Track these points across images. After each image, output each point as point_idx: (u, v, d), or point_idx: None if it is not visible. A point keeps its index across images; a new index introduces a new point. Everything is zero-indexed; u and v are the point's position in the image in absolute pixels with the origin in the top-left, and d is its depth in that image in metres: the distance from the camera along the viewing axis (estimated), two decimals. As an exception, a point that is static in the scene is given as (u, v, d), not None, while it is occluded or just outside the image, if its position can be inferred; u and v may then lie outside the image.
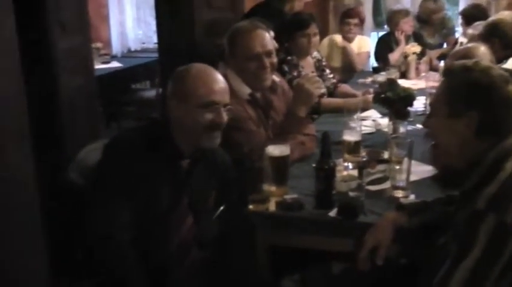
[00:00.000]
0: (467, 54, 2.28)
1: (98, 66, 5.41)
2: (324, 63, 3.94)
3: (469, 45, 2.71)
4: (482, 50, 2.32)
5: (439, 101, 1.67)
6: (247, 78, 2.56)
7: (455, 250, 1.51)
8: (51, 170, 2.20)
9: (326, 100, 3.49)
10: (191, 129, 1.95)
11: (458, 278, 1.48)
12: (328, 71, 3.92)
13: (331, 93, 3.76)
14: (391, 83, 2.93)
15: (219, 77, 2.01)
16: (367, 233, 1.89)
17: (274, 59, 2.61)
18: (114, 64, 5.82)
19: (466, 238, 1.49)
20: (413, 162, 2.27)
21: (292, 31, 3.62)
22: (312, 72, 3.56)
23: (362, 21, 4.91)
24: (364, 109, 3.18)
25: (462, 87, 1.62)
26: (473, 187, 1.58)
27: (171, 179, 1.93)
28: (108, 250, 1.82)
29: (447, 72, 1.69)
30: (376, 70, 4.71)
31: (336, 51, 4.87)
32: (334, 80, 3.92)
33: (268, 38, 2.58)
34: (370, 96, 3.17)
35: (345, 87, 3.92)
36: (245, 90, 2.57)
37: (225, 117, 1.99)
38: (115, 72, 5.34)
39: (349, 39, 4.83)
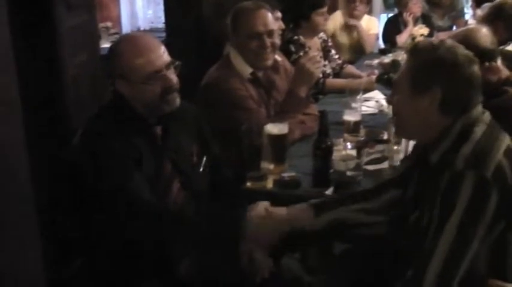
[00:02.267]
0: (467, 36, 2.28)
1: (107, 45, 5.43)
2: (329, 44, 3.94)
3: (470, 26, 2.70)
4: (484, 32, 2.31)
5: (402, 79, 1.68)
6: (249, 57, 2.58)
7: (438, 213, 1.53)
8: (55, 148, 2.22)
9: (330, 81, 3.52)
10: (145, 102, 1.92)
11: (445, 239, 1.49)
12: (333, 51, 3.93)
13: (337, 73, 3.77)
14: (395, 64, 2.94)
15: (150, 40, 1.94)
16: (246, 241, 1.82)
17: (276, 40, 2.62)
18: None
19: (447, 200, 1.51)
20: (411, 142, 2.25)
21: (308, 10, 3.61)
22: (318, 52, 3.56)
23: (369, 0, 4.87)
24: (367, 90, 3.19)
25: (426, 65, 1.63)
26: (440, 159, 1.61)
27: (150, 149, 1.93)
28: (151, 217, 1.83)
29: (412, 51, 1.70)
30: (383, 52, 4.70)
31: (342, 30, 4.84)
32: (340, 61, 3.92)
33: (270, 18, 2.59)
34: (374, 77, 3.19)
35: (351, 68, 3.92)
36: (247, 70, 2.60)
37: (174, 77, 1.93)
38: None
39: (357, 17, 4.80)
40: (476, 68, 1.63)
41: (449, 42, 1.67)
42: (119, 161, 1.84)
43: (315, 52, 3.47)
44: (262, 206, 1.89)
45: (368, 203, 1.88)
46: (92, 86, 2.50)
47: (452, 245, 1.49)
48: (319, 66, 2.61)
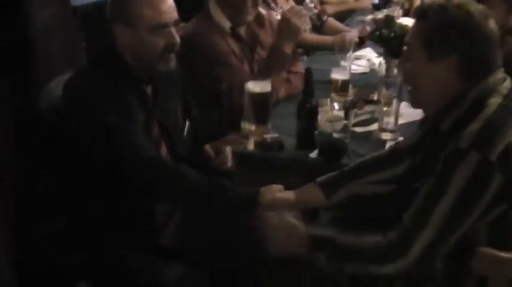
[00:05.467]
0: None
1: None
2: None
3: None
4: None
5: (414, 45, 1.65)
6: (228, 10, 2.55)
7: (432, 185, 1.54)
8: (24, 102, 2.20)
9: (306, 36, 3.37)
10: (144, 54, 1.92)
11: (440, 211, 1.50)
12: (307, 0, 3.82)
13: (319, 28, 3.68)
14: (388, 19, 2.90)
15: None
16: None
17: None
18: (97, -6, 5.72)
19: (445, 174, 1.51)
20: (403, 103, 2.28)
21: None
22: (287, 1, 3.47)
23: None
24: (342, 49, 3.02)
25: (438, 29, 1.59)
26: (450, 128, 1.59)
27: (140, 108, 1.93)
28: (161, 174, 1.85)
29: (420, 13, 1.65)
30: (377, 7, 4.64)
31: None
32: (316, 10, 3.73)
33: None
34: (349, 35, 3.11)
35: (334, 23, 3.81)
36: (226, 24, 2.57)
37: (177, 37, 1.96)
38: (97, 3, 5.25)
39: None
40: (492, 23, 1.59)
41: None
42: (114, 113, 1.84)
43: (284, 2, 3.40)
44: (273, 190, 1.88)
45: (383, 173, 1.88)
46: (63, 42, 2.46)
47: (446, 220, 1.50)
48: (305, 20, 2.58)
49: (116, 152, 1.84)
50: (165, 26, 1.91)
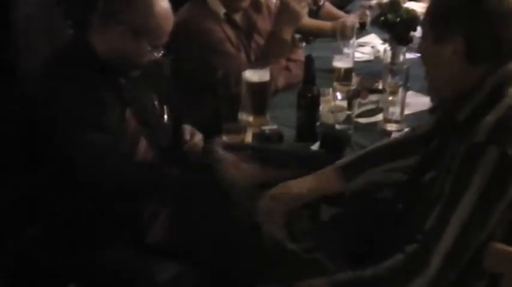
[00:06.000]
0: None
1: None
2: None
3: None
4: None
5: (424, 24, 1.62)
6: None
7: (450, 187, 1.47)
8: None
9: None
10: (131, 56, 1.92)
11: (458, 217, 1.43)
12: None
13: (315, 13, 3.54)
14: (394, 3, 2.83)
15: (168, 4, 1.96)
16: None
17: None
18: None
19: (463, 173, 1.45)
20: (410, 93, 2.27)
21: None
22: None
23: None
24: (345, 35, 2.93)
25: (443, 6, 1.54)
26: (468, 117, 1.53)
27: (114, 101, 1.91)
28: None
29: None
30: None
31: None
32: None
33: None
34: (350, 21, 3.02)
35: (330, 8, 3.67)
36: (220, 10, 2.53)
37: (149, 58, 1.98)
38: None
39: None
40: (508, 3, 1.49)
41: None
42: (83, 112, 1.82)
43: None
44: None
45: (399, 161, 1.83)
46: (47, 28, 2.41)
47: (465, 226, 1.43)
48: (305, 5, 2.52)
49: (80, 158, 1.84)
50: (156, 46, 1.93)
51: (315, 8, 3.54)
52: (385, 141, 1.93)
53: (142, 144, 2.00)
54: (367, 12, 3.14)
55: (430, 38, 1.57)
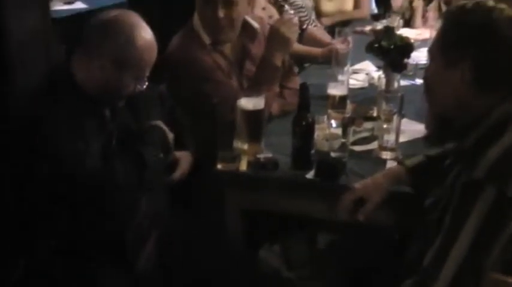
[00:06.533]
0: None
1: (59, 7, 5.28)
2: None
3: None
4: None
5: (434, 46, 1.61)
6: (205, 26, 2.52)
7: (449, 222, 1.47)
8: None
9: None
10: (114, 88, 1.95)
11: (455, 256, 1.43)
12: (287, 7, 3.57)
13: (298, 36, 3.58)
14: (388, 31, 2.86)
15: (151, 36, 1.98)
16: (359, 183, 1.89)
17: (234, 12, 2.49)
18: (78, 5, 5.65)
19: (461, 210, 1.45)
20: (405, 120, 2.28)
21: None
22: (263, 9, 3.40)
23: None
24: (339, 62, 2.96)
25: (454, 32, 1.54)
26: (471, 148, 1.52)
27: (97, 131, 1.94)
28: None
29: (444, 13, 1.64)
30: (376, 17, 4.62)
31: None
32: (296, 18, 3.68)
33: None
34: (335, 48, 3.05)
35: (314, 32, 3.73)
36: (207, 40, 2.54)
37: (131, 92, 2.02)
38: (79, 15, 5.22)
39: None
40: None
41: (491, 2, 1.52)
42: (66, 146, 1.84)
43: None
44: None
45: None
46: (42, 56, 2.40)
47: (461, 265, 1.43)
48: (296, 30, 2.53)
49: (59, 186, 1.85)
50: (140, 78, 1.97)
51: (299, 31, 3.60)
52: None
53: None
54: (349, 39, 3.16)
55: (440, 63, 1.57)
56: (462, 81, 1.52)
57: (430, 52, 1.65)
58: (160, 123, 2.15)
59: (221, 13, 2.45)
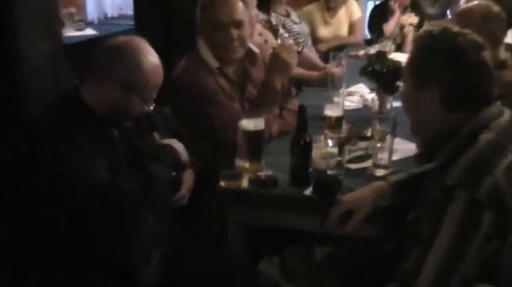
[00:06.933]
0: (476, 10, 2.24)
1: (71, 33, 5.37)
2: (274, 23, 3.86)
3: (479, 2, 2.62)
4: (496, 10, 2.26)
5: (406, 70, 1.70)
6: (216, 50, 2.60)
7: (426, 230, 1.54)
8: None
9: None
10: (122, 110, 2.01)
11: (432, 260, 1.50)
12: (282, 30, 3.84)
13: None
14: (380, 55, 2.97)
15: (157, 61, 2.04)
16: (347, 195, 1.95)
17: (244, 32, 2.61)
18: (89, 32, 5.76)
19: (436, 218, 1.51)
20: (397, 140, 2.34)
21: None
22: (260, 35, 3.52)
23: None
24: (334, 85, 3.12)
25: (422, 56, 1.63)
26: (446, 161, 1.60)
27: (105, 152, 1.96)
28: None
29: (414, 39, 1.72)
30: (369, 42, 4.74)
31: (321, 25, 4.89)
32: (292, 41, 3.82)
33: (239, 8, 2.58)
34: (338, 72, 3.17)
35: (308, 56, 3.84)
36: (213, 64, 2.61)
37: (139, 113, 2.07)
38: (89, 41, 5.32)
39: (333, 9, 4.85)
40: (485, 57, 1.58)
41: (456, 28, 1.63)
42: (79, 165, 1.88)
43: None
44: None
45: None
46: (54, 80, 2.46)
47: (438, 269, 1.50)
48: (295, 56, 2.63)
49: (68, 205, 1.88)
50: (147, 100, 2.02)
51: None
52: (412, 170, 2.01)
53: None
54: (343, 63, 3.28)
55: (411, 85, 1.66)
56: (432, 101, 1.60)
57: (404, 75, 1.74)
58: (174, 142, 2.20)
59: (234, 34, 2.55)
